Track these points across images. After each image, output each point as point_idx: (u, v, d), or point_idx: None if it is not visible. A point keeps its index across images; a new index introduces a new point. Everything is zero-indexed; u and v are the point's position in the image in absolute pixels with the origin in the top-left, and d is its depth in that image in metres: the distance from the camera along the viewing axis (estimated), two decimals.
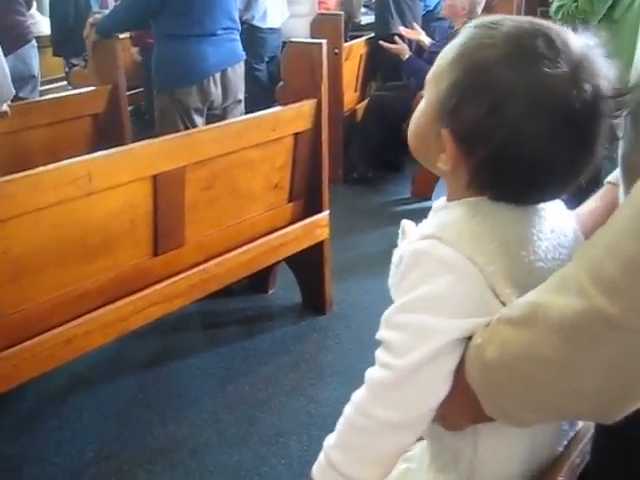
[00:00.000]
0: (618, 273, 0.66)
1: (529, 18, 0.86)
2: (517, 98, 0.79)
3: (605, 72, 0.82)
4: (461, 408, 0.86)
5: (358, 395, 0.89)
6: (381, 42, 4.72)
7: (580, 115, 0.79)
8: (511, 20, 0.85)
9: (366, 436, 0.87)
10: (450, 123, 0.85)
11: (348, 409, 0.90)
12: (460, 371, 0.84)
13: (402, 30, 4.67)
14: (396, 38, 4.65)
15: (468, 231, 0.84)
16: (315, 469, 0.92)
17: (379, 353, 0.87)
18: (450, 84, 0.85)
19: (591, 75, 0.80)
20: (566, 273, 0.74)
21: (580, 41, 0.82)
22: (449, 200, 0.92)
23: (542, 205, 0.89)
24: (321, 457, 0.92)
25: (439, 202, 0.95)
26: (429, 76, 0.90)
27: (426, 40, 4.73)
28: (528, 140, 0.80)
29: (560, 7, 3.62)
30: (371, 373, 0.88)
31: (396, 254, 0.94)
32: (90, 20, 3.43)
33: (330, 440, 0.91)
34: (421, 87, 3.74)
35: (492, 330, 0.79)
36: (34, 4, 5.15)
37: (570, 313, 0.69)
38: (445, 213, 0.89)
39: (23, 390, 2.13)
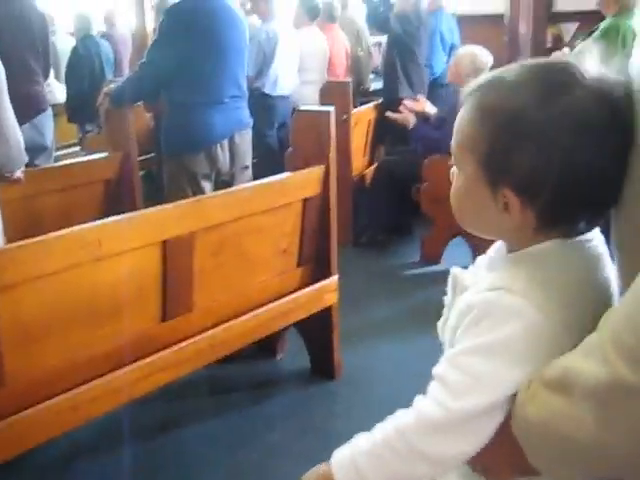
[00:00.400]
0: (635, 342, 0.69)
1: (524, 62, 0.90)
2: (557, 129, 0.82)
3: (620, 81, 0.85)
4: (508, 459, 0.88)
5: (403, 419, 0.91)
6: (388, 113, 4.81)
7: (614, 121, 0.82)
8: (512, 68, 0.89)
9: (397, 458, 0.90)
10: (507, 180, 0.86)
11: (389, 426, 0.91)
12: (506, 425, 0.86)
13: (407, 103, 4.75)
14: (401, 107, 4.73)
15: (535, 279, 0.86)
16: (337, 462, 0.94)
17: (434, 388, 0.90)
18: (489, 145, 0.87)
19: (610, 85, 0.84)
20: (593, 339, 0.76)
21: (589, 65, 0.86)
22: (512, 250, 0.94)
23: (605, 252, 0.92)
24: (347, 453, 0.94)
25: (498, 253, 0.98)
26: (457, 149, 0.92)
27: (431, 110, 4.81)
28: (583, 162, 0.83)
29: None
30: (423, 405, 0.90)
31: (462, 299, 0.94)
32: (105, 90, 3.52)
33: (362, 444, 0.93)
34: (427, 152, 3.80)
35: (532, 390, 0.82)
36: (51, 72, 5.29)
37: (595, 380, 0.72)
38: (512, 265, 0.91)
39: (26, 456, 2.10)
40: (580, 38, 4.14)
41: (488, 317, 0.87)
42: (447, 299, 1.03)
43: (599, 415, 0.72)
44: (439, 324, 1.02)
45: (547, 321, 0.84)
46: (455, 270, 1.03)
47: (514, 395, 0.85)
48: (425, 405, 0.90)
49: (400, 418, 0.92)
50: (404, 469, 0.90)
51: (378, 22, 5.22)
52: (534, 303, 0.84)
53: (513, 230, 0.91)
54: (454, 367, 0.88)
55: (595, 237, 0.93)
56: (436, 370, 0.91)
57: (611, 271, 0.92)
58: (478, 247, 4.10)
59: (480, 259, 1.02)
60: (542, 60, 0.89)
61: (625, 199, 0.83)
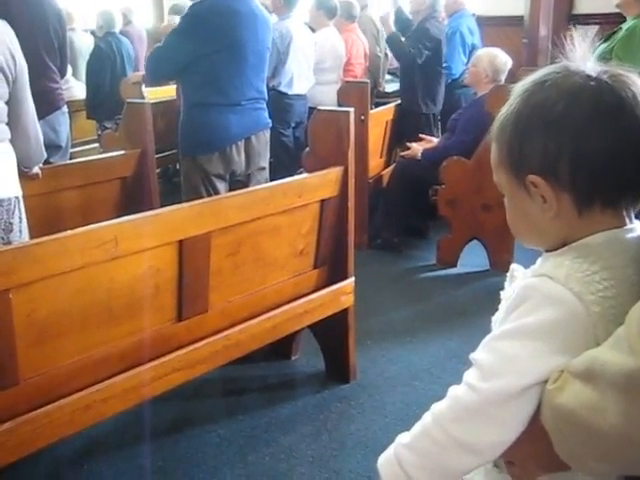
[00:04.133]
0: None
1: None
2: (554, 108, 0.89)
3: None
4: (536, 455, 0.89)
5: (439, 407, 0.94)
6: (402, 153, 4.86)
7: (611, 103, 0.88)
8: None
9: (436, 447, 0.91)
10: (528, 167, 0.92)
11: (427, 417, 0.94)
12: (537, 418, 0.87)
13: (414, 145, 4.74)
14: (408, 144, 4.77)
15: (580, 270, 0.87)
16: (382, 459, 0.98)
17: (468, 373, 0.92)
18: (507, 149, 0.95)
19: (609, 73, 0.90)
20: (620, 331, 0.78)
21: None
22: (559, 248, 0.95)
23: None
24: (390, 450, 0.97)
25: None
26: (495, 173, 1.00)
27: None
28: (590, 132, 0.87)
29: (605, 53, 3.72)
30: (455, 390, 0.92)
31: (507, 292, 1.01)
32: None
33: (404, 439, 0.96)
34: (439, 161, 3.76)
35: (561, 380, 0.83)
36: (70, 69, 5.29)
37: (621, 370, 0.74)
38: (558, 255, 0.93)
39: (39, 453, 2.09)
40: (600, 40, 4.09)
41: (527, 301, 0.89)
42: (503, 293, 1.05)
43: (623, 406, 0.73)
44: (493, 318, 1.03)
45: (585, 311, 0.85)
46: (513, 265, 1.08)
47: (545, 383, 0.85)
48: (458, 390, 0.92)
49: (437, 406, 0.94)
50: (444, 459, 0.91)
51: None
52: (574, 292, 0.85)
53: (560, 222, 0.93)
54: (489, 350, 0.91)
55: None
56: (472, 355, 0.93)
57: None
58: (494, 250, 4.11)
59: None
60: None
61: None
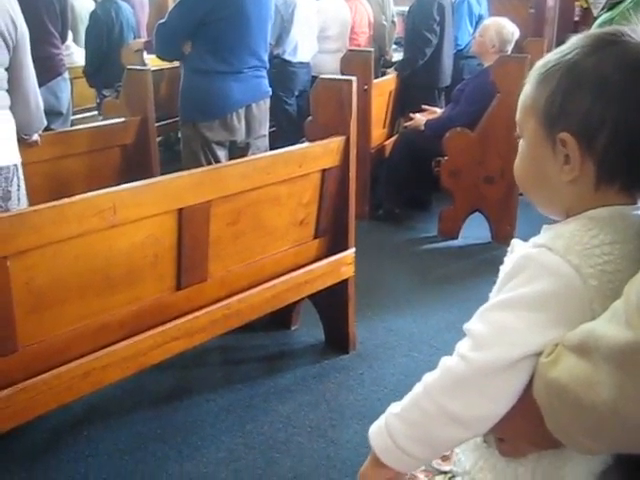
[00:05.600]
0: None
1: None
2: (610, 72, 0.85)
3: None
4: (528, 431, 0.87)
5: (430, 377, 0.92)
6: (406, 124, 4.80)
7: None
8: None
9: (425, 418, 0.90)
10: (564, 123, 0.88)
11: (418, 387, 0.93)
12: (529, 393, 0.85)
13: (417, 116, 4.67)
14: (411, 115, 4.72)
15: (580, 243, 0.85)
16: (373, 429, 0.97)
17: (460, 343, 0.91)
18: (548, 97, 0.89)
19: None
20: (618, 304, 0.75)
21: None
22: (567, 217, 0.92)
23: None
24: (381, 420, 0.96)
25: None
26: (520, 115, 0.95)
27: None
28: (636, 106, 0.84)
29: (605, 23, 3.64)
30: (447, 361, 0.91)
31: (505, 266, 0.96)
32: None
33: (395, 408, 0.95)
34: (443, 132, 3.72)
35: (555, 354, 0.81)
36: (70, 35, 5.23)
37: (618, 342, 0.71)
38: (560, 226, 0.91)
39: (39, 420, 2.10)
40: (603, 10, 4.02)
41: (524, 271, 0.87)
42: (502, 267, 1.02)
43: (617, 380, 0.71)
44: (490, 295, 1.00)
45: (582, 284, 0.83)
46: (514, 240, 1.03)
47: (538, 357, 0.84)
48: (449, 360, 0.90)
49: (428, 376, 0.93)
50: (433, 430, 0.90)
51: None
52: (572, 264, 0.83)
53: (573, 189, 0.90)
54: (482, 320, 0.89)
55: None
56: (466, 325, 0.91)
57: None
58: (496, 223, 4.08)
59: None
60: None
61: None
